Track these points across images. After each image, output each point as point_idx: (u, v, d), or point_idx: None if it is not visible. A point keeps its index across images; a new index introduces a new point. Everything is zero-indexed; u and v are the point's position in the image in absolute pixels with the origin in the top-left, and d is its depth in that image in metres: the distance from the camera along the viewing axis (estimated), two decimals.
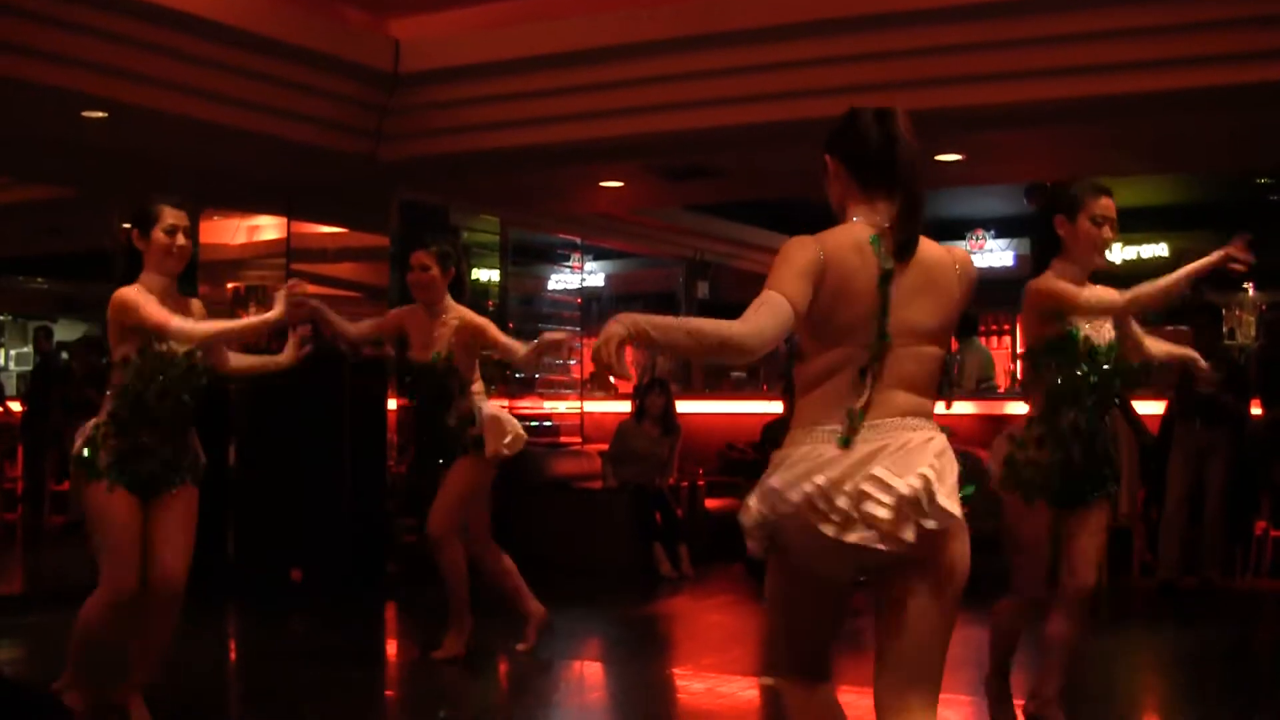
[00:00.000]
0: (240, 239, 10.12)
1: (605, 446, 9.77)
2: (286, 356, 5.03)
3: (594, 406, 11.42)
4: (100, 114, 7.21)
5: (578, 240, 12.13)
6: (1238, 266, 4.13)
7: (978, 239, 14.56)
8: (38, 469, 11.73)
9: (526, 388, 10.82)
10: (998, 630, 4.51)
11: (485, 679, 6.15)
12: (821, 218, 2.93)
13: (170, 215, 4.55)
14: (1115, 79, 6.75)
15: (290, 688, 5.75)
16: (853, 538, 2.65)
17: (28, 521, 11.82)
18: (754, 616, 7.44)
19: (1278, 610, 8.14)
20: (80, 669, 4.69)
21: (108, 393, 4.60)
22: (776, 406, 9.35)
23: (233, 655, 6.93)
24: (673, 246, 13.44)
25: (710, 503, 9.89)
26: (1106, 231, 4.25)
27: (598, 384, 2.92)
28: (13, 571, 9.83)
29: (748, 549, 2.83)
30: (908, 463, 2.69)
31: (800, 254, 2.73)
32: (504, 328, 9.38)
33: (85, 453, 4.47)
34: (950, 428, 2.85)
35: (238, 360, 4.95)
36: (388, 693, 6.01)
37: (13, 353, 16.57)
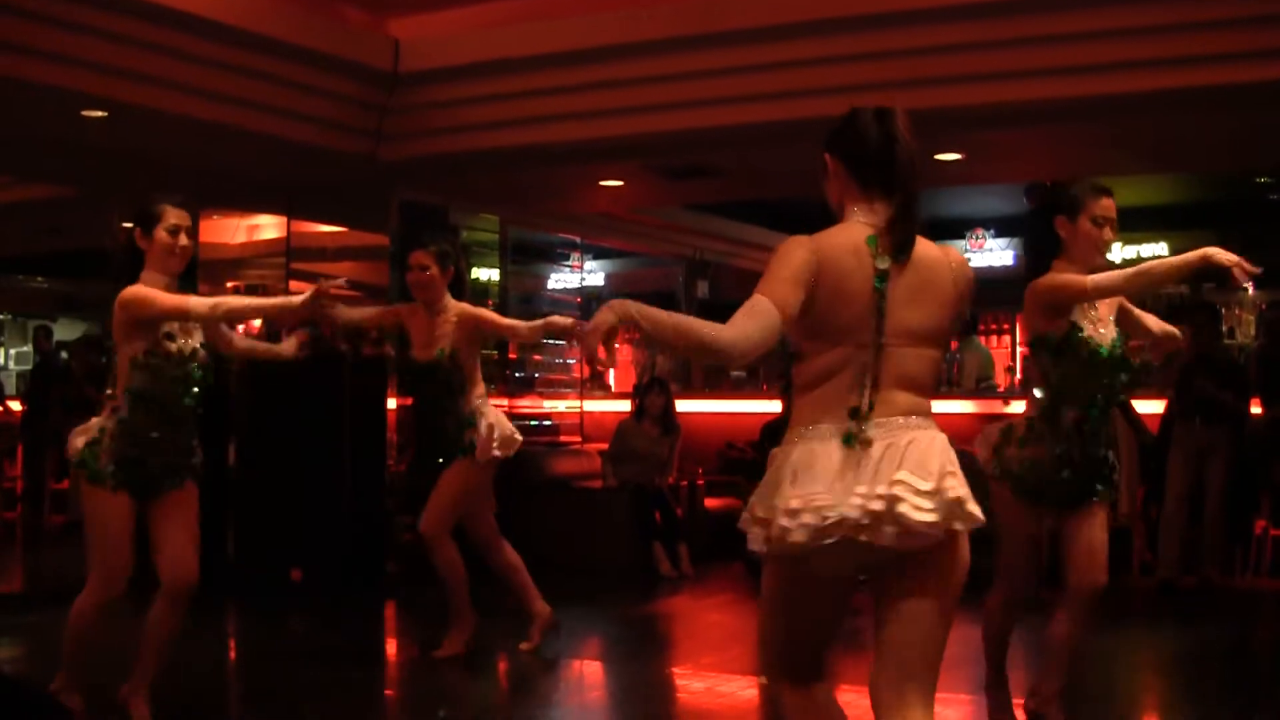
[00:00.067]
0: (240, 238, 10.12)
1: (605, 446, 9.77)
2: (289, 350, 5.09)
3: (594, 406, 11.42)
4: (100, 113, 7.21)
5: (577, 239, 12.13)
6: (1241, 275, 4.11)
7: (977, 238, 14.55)
8: (37, 468, 11.74)
9: (526, 387, 10.82)
10: (989, 628, 4.51)
11: (485, 678, 6.15)
12: (821, 217, 2.93)
13: (173, 215, 4.57)
14: (1115, 78, 6.75)
15: (290, 688, 5.75)
16: (887, 541, 2.67)
17: (27, 520, 11.84)
18: (754, 616, 7.40)
19: (1277, 609, 8.15)
20: (74, 670, 4.70)
21: (108, 391, 4.60)
22: (776, 406, 9.35)
23: (233, 655, 6.93)
24: (672, 245, 13.44)
25: (710, 502, 9.89)
26: (1107, 232, 4.25)
27: (591, 371, 2.94)
28: (12, 570, 9.84)
29: (748, 543, 2.83)
30: (924, 463, 2.71)
31: (792, 257, 2.74)
32: None
33: (87, 453, 4.47)
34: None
35: (241, 342, 4.98)
36: (388, 692, 6.01)
37: (12, 352, 16.58)
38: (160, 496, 4.58)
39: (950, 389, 9.75)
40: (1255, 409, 8.46)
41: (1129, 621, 7.36)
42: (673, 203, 11.82)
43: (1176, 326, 4.65)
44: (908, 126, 2.85)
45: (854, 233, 2.81)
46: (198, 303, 4.50)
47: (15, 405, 12.31)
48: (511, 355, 10.51)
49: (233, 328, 4.99)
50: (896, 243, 2.79)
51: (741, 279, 13.53)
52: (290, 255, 9.52)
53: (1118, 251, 12.89)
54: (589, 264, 14.09)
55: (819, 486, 2.69)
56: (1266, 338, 9.28)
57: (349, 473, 8.58)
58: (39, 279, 15.28)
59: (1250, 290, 12.32)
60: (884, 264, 2.77)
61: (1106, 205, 4.26)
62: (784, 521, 2.70)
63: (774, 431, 8.71)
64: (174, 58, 7.07)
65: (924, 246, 2.85)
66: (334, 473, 8.52)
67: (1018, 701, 4.60)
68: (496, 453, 5.97)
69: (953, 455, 2.77)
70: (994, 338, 14.17)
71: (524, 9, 7.99)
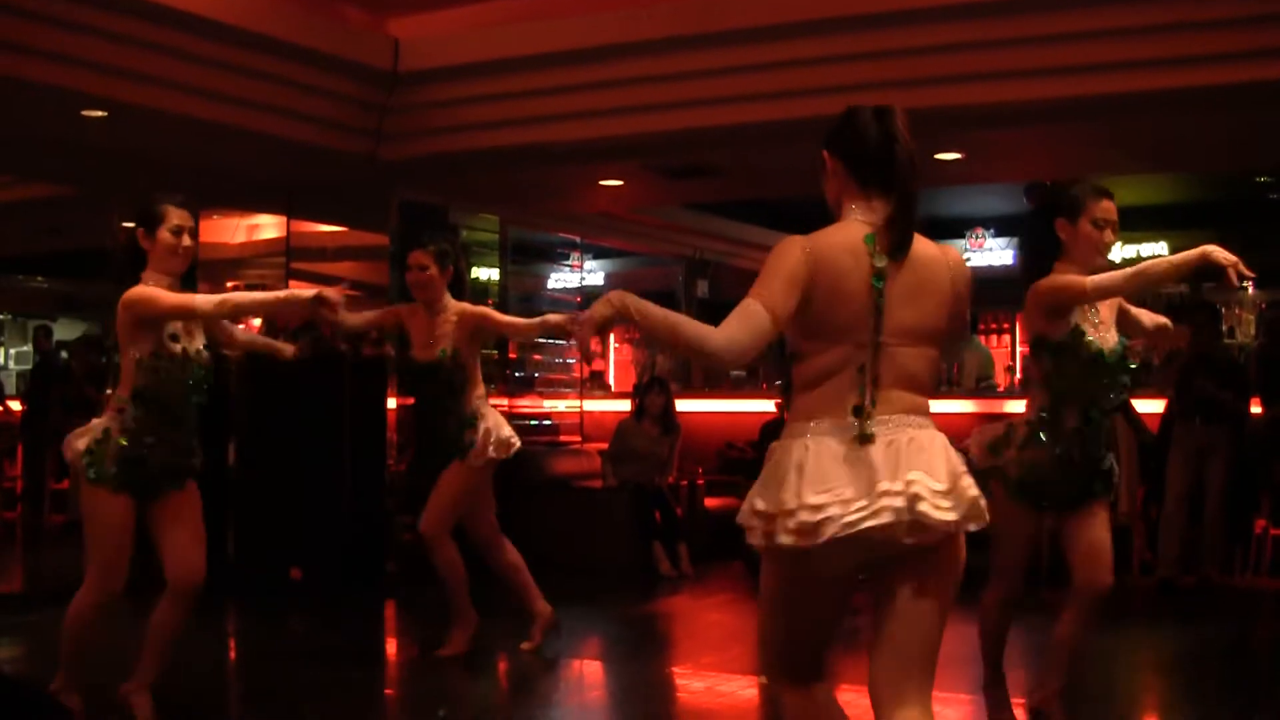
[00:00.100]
0: (240, 238, 10.13)
1: (605, 445, 9.77)
2: (289, 351, 5.12)
3: (594, 405, 11.42)
4: (100, 113, 7.21)
5: (577, 239, 12.13)
6: (1235, 276, 4.10)
7: (977, 237, 14.55)
8: (37, 468, 11.73)
9: (526, 387, 10.82)
10: (985, 627, 4.51)
11: (485, 678, 6.15)
12: (821, 217, 2.94)
13: (176, 215, 4.58)
14: (1114, 78, 6.75)
15: (290, 688, 5.75)
16: (903, 539, 2.69)
17: (27, 520, 11.83)
18: (753, 615, 7.40)
19: (1277, 608, 8.14)
20: (73, 669, 4.70)
21: (109, 391, 4.61)
22: (775, 405, 9.36)
23: (233, 655, 6.93)
24: (672, 245, 13.44)
25: (710, 501, 9.89)
26: (1108, 234, 4.25)
27: (584, 355, 2.99)
28: (12, 570, 9.83)
29: (747, 538, 2.82)
30: (932, 462, 2.73)
31: (786, 259, 2.75)
32: None
33: (92, 454, 4.47)
34: None
35: (241, 336, 5.00)
36: (387, 692, 6.01)
37: (12, 351, 16.57)
38: (162, 497, 4.58)
39: (950, 389, 9.76)
40: (1255, 408, 8.46)
41: (1129, 621, 7.36)
42: (672, 202, 11.82)
43: (1176, 326, 4.65)
44: (906, 125, 2.85)
45: (851, 231, 2.82)
46: (203, 300, 4.50)
47: (15, 405, 12.31)
48: (511, 355, 10.51)
49: (235, 324, 5.01)
50: (894, 241, 2.80)
51: (741, 278, 13.52)
52: (290, 255, 9.52)
53: (1117, 251, 12.88)
54: (589, 263, 14.10)
55: (836, 483, 2.69)
56: (1266, 337, 9.29)
57: (349, 473, 8.57)
58: (39, 279, 15.27)
59: (1250, 289, 12.33)
60: (882, 262, 2.78)
61: (1107, 207, 4.26)
62: (805, 516, 2.68)
63: (773, 431, 8.70)
64: (174, 57, 7.07)
65: (921, 245, 2.86)
66: (334, 473, 8.52)
67: (1017, 700, 4.60)
68: (491, 454, 5.97)
69: (955, 454, 2.80)
70: (994, 337, 14.18)
71: (524, 8, 7.99)
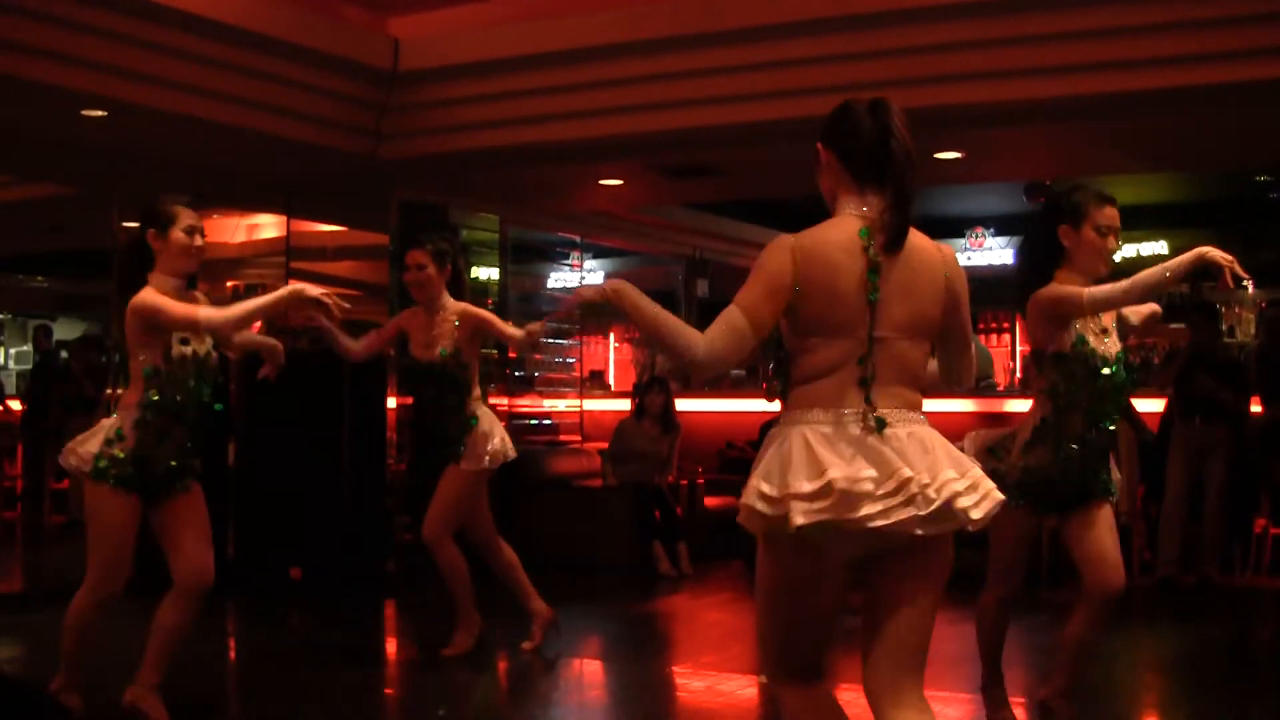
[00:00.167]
0: (240, 237, 10.13)
1: (605, 445, 9.77)
2: (282, 359, 5.10)
3: (594, 405, 11.42)
4: (100, 112, 7.21)
5: (577, 238, 12.14)
6: (1230, 278, 4.10)
7: (977, 237, 14.56)
8: (37, 467, 11.73)
9: (526, 386, 10.82)
10: (983, 627, 4.51)
11: (485, 677, 6.15)
12: (821, 217, 2.93)
13: (188, 216, 4.61)
14: (1114, 77, 6.75)
15: (290, 687, 5.75)
16: (933, 530, 2.71)
17: (27, 520, 11.83)
18: (753, 614, 7.44)
19: (1277, 608, 8.15)
20: (72, 669, 4.70)
21: (109, 390, 4.62)
22: (775, 405, 9.35)
23: (233, 655, 6.93)
24: (672, 244, 13.44)
25: (709, 501, 9.89)
26: (1111, 241, 4.23)
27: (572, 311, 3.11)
28: (12, 570, 9.83)
29: (741, 517, 2.80)
30: (950, 457, 2.77)
31: (769, 264, 2.79)
32: None
33: (102, 455, 4.47)
34: None
35: (242, 337, 5.00)
36: (387, 692, 6.01)
37: (12, 351, 16.57)
38: (169, 499, 4.59)
39: (950, 388, 9.73)
40: (1255, 407, 8.46)
41: (1129, 620, 7.36)
42: (672, 201, 11.82)
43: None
44: (903, 120, 2.85)
45: (845, 227, 2.82)
46: (206, 316, 4.44)
47: (15, 404, 12.32)
48: (511, 355, 10.51)
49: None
50: (890, 236, 2.80)
51: (741, 278, 13.39)
52: (290, 254, 9.52)
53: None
54: (588, 263, 14.09)
55: (857, 465, 2.69)
56: (1266, 336, 9.28)
57: (349, 473, 8.57)
58: (39, 278, 15.28)
59: (1250, 288, 12.33)
60: (877, 258, 2.78)
61: (1110, 214, 4.24)
62: (844, 486, 2.65)
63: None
64: (174, 57, 7.07)
65: (916, 239, 2.86)
66: (334, 473, 8.52)
67: (1016, 700, 4.59)
68: (486, 464, 5.97)
69: (958, 450, 2.83)
70: (994, 336, 14.19)
71: (523, 8, 7.99)
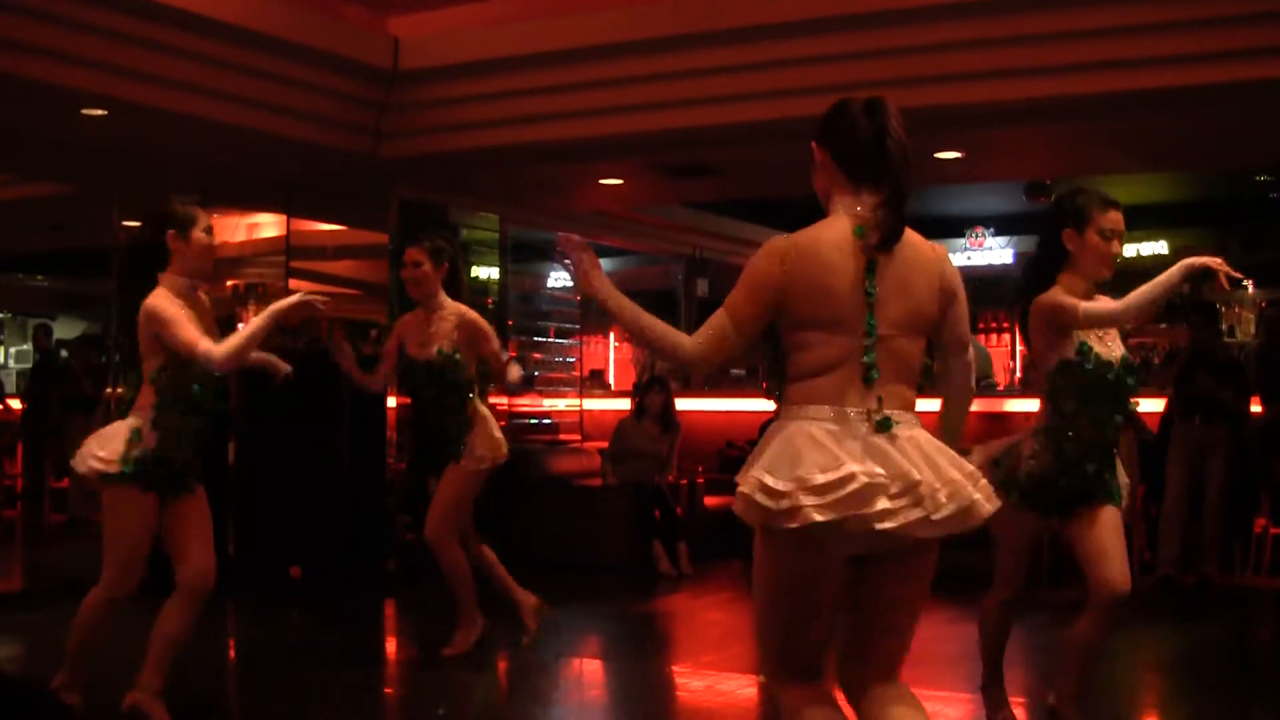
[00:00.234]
0: (240, 236, 10.13)
1: (605, 444, 9.77)
2: (287, 368, 5.14)
3: (593, 404, 11.43)
4: (100, 111, 7.22)
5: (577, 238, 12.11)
6: (1225, 280, 4.10)
7: (977, 236, 14.56)
8: (37, 466, 11.74)
9: (526, 386, 10.81)
10: (985, 628, 4.51)
11: (485, 677, 6.15)
12: (821, 216, 2.93)
13: (205, 216, 4.62)
14: (1114, 76, 6.75)
15: (290, 687, 5.75)
16: (939, 533, 2.75)
17: (27, 518, 11.84)
18: (752, 614, 7.43)
19: (1276, 607, 8.15)
20: (75, 666, 4.70)
21: (108, 389, 4.62)
22: (774, 405, 9.35)
23: (233, 654, 6.93)
24: (672, 244, 13.44)
25: (709, 500, 9.89)
26: (1115, 245, 4.23)
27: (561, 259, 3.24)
28: (12, 568, 9.83)
29: (738, 507, 2.83)
30: (936, 459, 2.77)
31: (758, 268, 2.81)
32: (503, 326, 9.40)
33: (127, 459, 4.47)
34: None
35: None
36: (387, 691, 6.01)
37: (12, 350, 16.58)
38: (177, 500, 4.59)
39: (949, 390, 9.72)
40: (1255, 407, 8.46)
41: (1129, 619, 7.33)
42: (672, 201, 11.82)
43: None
44: (899, 119, 2.85)
45: (840, 225, 2.83)
46: (205, 348, 4.38)
47: (15, 403, 12.32)
48: (511, 353, 10.50)
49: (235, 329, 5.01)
50: (885, 234, 2.80)
51: None
52: (290, 254, 9.52)
53: None
54: None
55: (867, 462, 2.70)
56: (1266, 336, 9.28)
57: (349, 472, 8.57)
58: (39, 277, 15.29)
59: (1250, 288, 12.33)
60: (872, 256, 2.79)
61: (1114, 218, 4.24)
62: (858, 484, 2.66)
63: None
64: (174, 56, 7.07)
65: (910, 237, 2.87)
66: (334, 472, 8.52)
67: (1017, 700, 4.59)
68: (482, 465, 5.97)
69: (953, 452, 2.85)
70: (994, 336, 14.18)
71: (523, 7, 8.00)
